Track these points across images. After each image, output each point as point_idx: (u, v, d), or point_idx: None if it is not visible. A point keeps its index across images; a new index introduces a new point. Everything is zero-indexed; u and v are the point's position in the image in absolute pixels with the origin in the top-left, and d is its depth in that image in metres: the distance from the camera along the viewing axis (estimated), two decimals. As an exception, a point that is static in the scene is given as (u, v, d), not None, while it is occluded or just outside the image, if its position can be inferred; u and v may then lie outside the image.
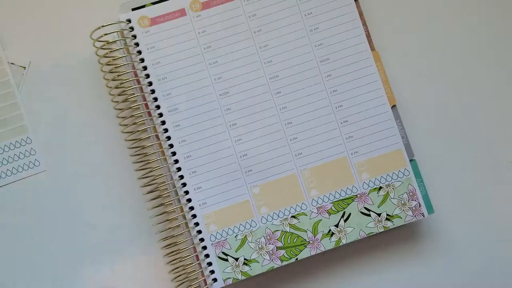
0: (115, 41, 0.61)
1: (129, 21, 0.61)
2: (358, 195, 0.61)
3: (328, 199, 0.61)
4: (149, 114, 0.61)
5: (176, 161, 0.60)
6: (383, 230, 0.61)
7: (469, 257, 0.64)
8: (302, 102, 0.61)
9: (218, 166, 0.61)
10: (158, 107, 0.61)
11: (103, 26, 0.60)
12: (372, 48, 0.62)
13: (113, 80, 0.60)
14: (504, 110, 0.65)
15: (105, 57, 0.61)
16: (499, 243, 0.64)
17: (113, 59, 0.60)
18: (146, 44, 0.61)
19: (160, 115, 0.61)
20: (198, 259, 0.60)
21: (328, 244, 0.60)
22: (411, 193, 0.61)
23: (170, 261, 0.60)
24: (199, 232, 0.60)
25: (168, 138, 0.61)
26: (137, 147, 0.60)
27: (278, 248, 0.60)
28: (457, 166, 0.64)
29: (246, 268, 0.60)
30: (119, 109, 0.61)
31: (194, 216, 0.60)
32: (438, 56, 0.66)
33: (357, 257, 0.63)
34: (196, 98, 0.61)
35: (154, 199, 0.60)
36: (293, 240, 0.60)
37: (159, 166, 0.60)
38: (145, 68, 0.61)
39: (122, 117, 0.61)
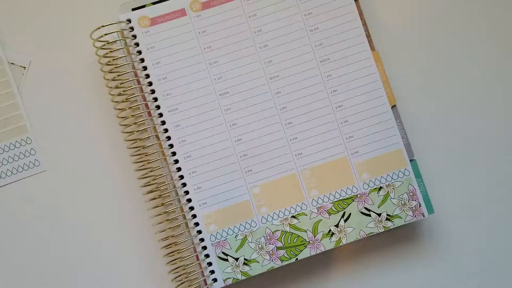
0: (115, 41, 0.61)
1: (129, 21, 0.61)
2: (358, 195, 0.61)
3: (328, 199, 0.61)
4: (149, 114, 0.61)
5: (176, 161, 0.60)
6: (383, 230, 0.60)
7: (469, 257, 0.64)
8: (302, 102, 0.61)
9: (218, 166, 0.61)
10: (158, 107, 0.61)
11: (103, 26, 0.60)
12: (372, 48, 0.62)
13: (113, 80, 0.60)
14: (504, 110, 0.65)
15: (105, 57, 0.61)
16: (499, 243, 0.64)
17: (113, 59, 0.60)
18: (146, 44, 0.61)
19: (160, 115, 0.61)
20: (198, 259, 0.60)
21: (328, 244, 0.60)
22: (411, 193, 0.61)
23: (170, 261, 0.60)
24: (199, 232, 0.60)
25: (168, 138, 0.61)
26: (137, 147, 0.60)
27: (278, 248, 0.60)
28: (457, 166, 0.64)
29: (246, 268, 0.60)
30: (119, 109, 0.61)
31: (194, 216, 0.60)
32: (438, 56, 0.66)
33: (357, 257, 0.63)
34: (196, 98, 0.61)
35: (154, 199, 0.60)
36: (293, 240, 0.60)
37: (159, 166, 0.60)
38: (145, 68, 0.61)
39: (122, 117, 0.61)
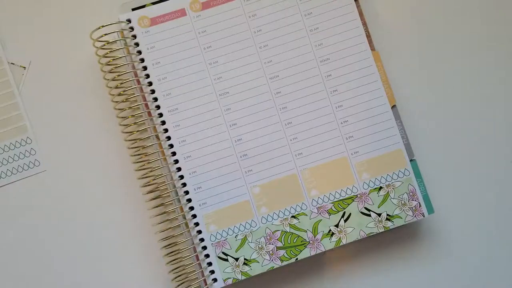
0: (115, 41, 0.61)
1: (129, 21, 0.61)
2: (358, 195, 0.61)
3: (328, 199, 0.61)
4: (149, 114, 0.61)
5: (176, 161, 0.60)
6: (383, 230, 0.60)
7: (469, 257, 0.64)
8: (302, 102, 0.61)
9: (218, 166, 0.61)
10: (158, 107, 0.61)
11: (103, 26, 0.60)
12: (372, 48, 0.62)
13: (113, 80, 0.60)
14: (504, 110, 0.65)
15: (105, 57, 0.61)
16: (499, 243, 0.64)
17: (113, 59, 0.60)
18: (146, 44, 0.61)
19: (160, 115, 0.61)
20: (198, 259, 0.60)
21: (328, 244, 0.60)
22: (411, 193, 0.61)
23: (170, 261, 0.60)
24: (199, 232, 0.60)
25: (168, 138, 0.61)
26: (137, 147, 0.60)
27: (278, 248, 0.60)
28: (457, 166, 0.64)
29: (246, 268, 0.60)
30: (119, 109, 0.61)
31: (194, 216, 0.60)
32: (438, 56, 0.66)
33: (357, 257, 0.63)
34: (196, 98, 0.61)
35: (154, 199, 0.60)
36: (293, 240, 0.60)
37: (159, 166, 0.60)
38: (145, 68, 0.61)
39: (122, 117, 0.61)
